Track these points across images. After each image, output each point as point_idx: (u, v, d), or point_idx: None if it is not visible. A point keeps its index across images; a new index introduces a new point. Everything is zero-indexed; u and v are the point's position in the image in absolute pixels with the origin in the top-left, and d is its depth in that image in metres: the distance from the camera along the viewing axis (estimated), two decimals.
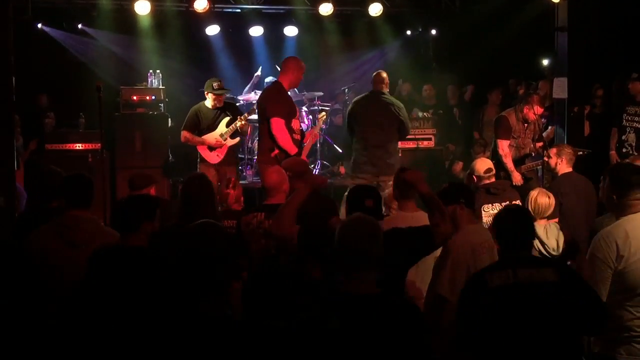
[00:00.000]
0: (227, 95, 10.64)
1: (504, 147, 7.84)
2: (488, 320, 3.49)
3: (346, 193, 5.13)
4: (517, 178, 7.67)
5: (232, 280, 3.18)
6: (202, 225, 3.23)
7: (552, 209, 5.42)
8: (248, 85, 11.08)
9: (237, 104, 10.92)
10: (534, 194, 5.53)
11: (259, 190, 9.84)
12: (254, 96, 10.73)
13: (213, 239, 3.11)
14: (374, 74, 8.40)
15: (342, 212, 5.32)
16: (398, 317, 3.05)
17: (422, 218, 4.54)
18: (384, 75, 8.26)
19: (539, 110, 7.89)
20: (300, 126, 7.42)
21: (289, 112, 7.19)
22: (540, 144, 7.96)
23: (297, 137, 7.26)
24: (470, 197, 4.85)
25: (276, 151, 7.06)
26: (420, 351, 3.07)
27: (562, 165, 6.90)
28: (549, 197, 5.45)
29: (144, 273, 3.76)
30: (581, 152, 7.75)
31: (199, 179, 5.28)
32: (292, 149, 7.04)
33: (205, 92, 8.43)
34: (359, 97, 8.45)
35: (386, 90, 8.23)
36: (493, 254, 4.43)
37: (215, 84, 8.33)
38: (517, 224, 3.72)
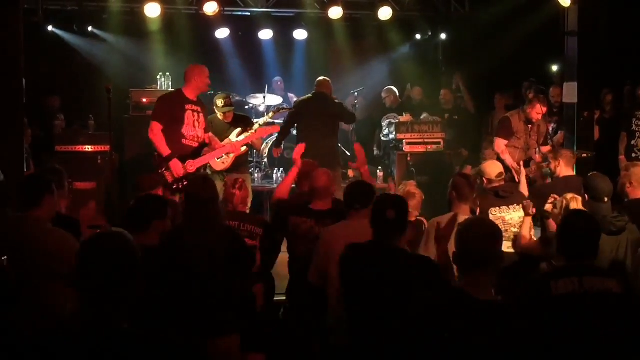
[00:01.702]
0: (237, 98, 10.73)
1: (500, 144, 7.92)
2: (548, 328, 3.36)
3: None
4: (518, 172, 7.67)
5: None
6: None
7: None
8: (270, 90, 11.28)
9: (246, 107, 10.99)
10: (568, 200, 5.42)
11: (268, 193, 9.88)
12: (272, 100, 10.82)
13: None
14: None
15: None
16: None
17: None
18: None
19: (542, 109, 7.87)
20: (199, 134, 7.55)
21: (172, 119, 7.35)
22: (548, 147, 7.94)
23: (188, 143, 7.43)
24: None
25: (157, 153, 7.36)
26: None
27: (561, 168, 6.87)
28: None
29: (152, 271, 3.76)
30: (585, 155, 7.73)
31: (202, 180, 5.29)
32: (164, 151, 7.24)
33: (214, 107, 8.43)
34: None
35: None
36: None
37: (220, 102, 8.29)
38: (587, 231, 3.59)
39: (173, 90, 7.61)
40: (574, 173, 6.98)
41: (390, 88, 11.47)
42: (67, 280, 3.94)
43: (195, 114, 7.48)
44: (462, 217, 5.00)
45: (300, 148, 6.25)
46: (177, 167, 7.23)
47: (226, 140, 8.14)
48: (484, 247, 3.10)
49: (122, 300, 2.49)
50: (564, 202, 5.39)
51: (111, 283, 2.45)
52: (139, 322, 2.54)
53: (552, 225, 5.60)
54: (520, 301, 3.53)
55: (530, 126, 7.94)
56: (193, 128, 7.48)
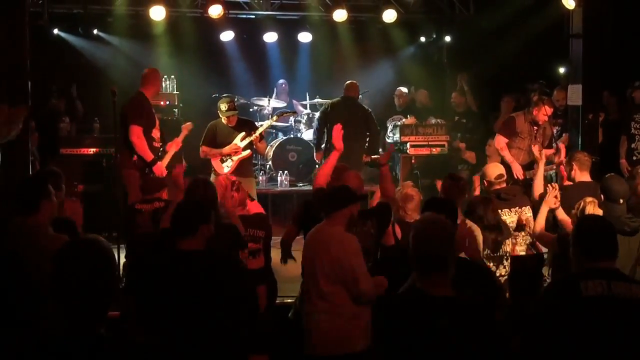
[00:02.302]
0: (241, 101, 10.74)
1: (500, 141, 7.97)
2: (576, 329, 3.32)
3: None
4: (517, 169, 7.65)
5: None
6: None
7: None
8: (275, 93, 11.38)
9: (251, 110, 11.00)
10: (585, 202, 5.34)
11: (272, 195, 9.89)
12: (277, 103, 10.86)
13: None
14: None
15: None
16: (472, 318, 3.12)
17: None
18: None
19: (548, 110, 7.85)
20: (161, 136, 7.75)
21: (148, 122, 7.53)
22: (552, 150, 7.93)
23: (157, 145, 7.62)
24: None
25: (135, 157, 7.42)
26: (495, 349, 3.15)
27: (576, 172, 6.63)
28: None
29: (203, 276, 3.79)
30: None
31: (203, 182, 5.31)
32: (149, 156, 7.38)
33: (218, 111, 8.43)
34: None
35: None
36: None
37: (223, 106, 8.25)
38: (607, 234, 3.54)
39: (138, 93, 7.63)
40: (589, 178, 6.62)
41: (401, 89, 11.46)
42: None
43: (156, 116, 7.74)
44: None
45: (338, 131, 5.90)
46: (160, 171, 7.30)
47: (232, 145, 8.17)
48: (439, 249, 3.13)
49: (99, 306, 2.52)
50: (582, 204, 5.33)
51: (86, 289, 2.49)
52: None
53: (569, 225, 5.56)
54: (546, 298, 3.52)
55: (535, 128, 7.93)
56: (158, 130, 7.64)
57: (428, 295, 3.10)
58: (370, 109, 9.52)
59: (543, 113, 7.83)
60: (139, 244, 5.75)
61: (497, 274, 5.45)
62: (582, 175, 6.59)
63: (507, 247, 5.56)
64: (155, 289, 3.82)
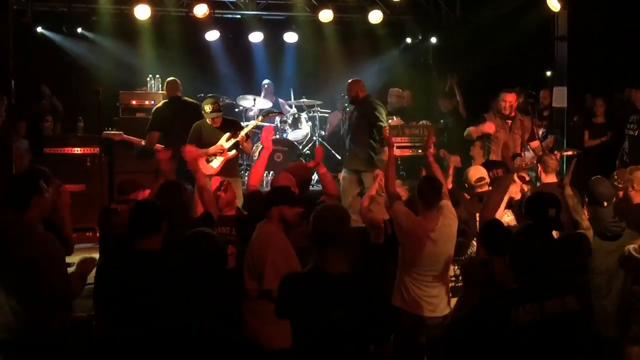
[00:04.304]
0: (227, 101, 10.70)
1: (472, 128, 8.01)
2: (508, 358, 3.21)
3: None
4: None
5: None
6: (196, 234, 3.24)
7: None
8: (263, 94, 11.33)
9: (236, 110, 10.97)
10: None
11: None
12: (263, 103, 10.82)
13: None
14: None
15: None
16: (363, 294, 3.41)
17: None
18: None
19: (508, 96, 7.80)
20: None
21: None
22: (536, 142, 7.92)
23: None
24: None
25: None
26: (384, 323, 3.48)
27: (542, 175, 6.67)
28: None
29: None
30: (570, 152, 7.70)
31: (174, 185, 5.28)
32: None
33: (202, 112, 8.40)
34: None
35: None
36: None
37: (207, 107, 8.18)
38: (542, 249, 3.30)
39: None
40: (555, 179, 6.55)
41: (393, 90, 11.39)
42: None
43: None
44: (430, 224, 4.96)
45: (269, 132, 6.05)
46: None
47: (217, 145, 8.14)
48: (333, 228, 3.46)
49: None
50: None
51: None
52: None
53: None
54: (471, 327, 3.35)
55: (509, 122, 7.85)
56: None
57: (324, 272, 3.40)
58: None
59: (502, 100, 7.79)
60: (112, 244, 5.69)
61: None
62: (547, 177, 6.60)
63: (473, 249, 5.52)
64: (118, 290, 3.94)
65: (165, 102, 8.94)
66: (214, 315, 2.65)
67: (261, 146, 10.04)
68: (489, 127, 7.77)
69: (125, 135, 8.92)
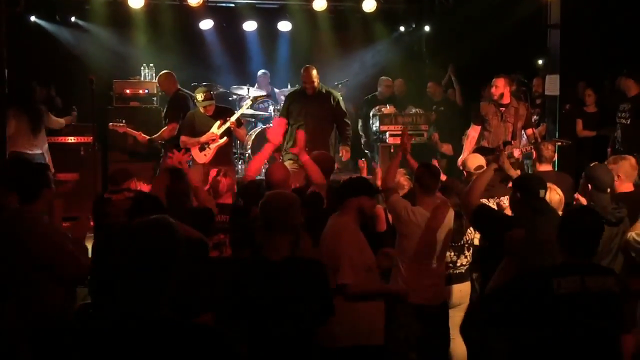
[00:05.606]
0: (221, 90, 10.70)
1: (470, 131, 7.98)
2: (548, 326, 3.33)
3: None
4: (460, 161, 7.68)
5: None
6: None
7: (562, 205, 5.20)
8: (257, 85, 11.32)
9: (230, 99, 10.97)
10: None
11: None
12: (257, 92, 10.80)
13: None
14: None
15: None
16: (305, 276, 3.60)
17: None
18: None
19: (498, 81, 7.82)
20: None
21: None
22: (531, 130, 7.93)
23: None
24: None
25: None
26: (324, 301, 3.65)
27: (536, 164, 6.77)
28: (558, 195, 5.22)
29: None
30: (560, 143, 7.72)
31: (174, 172, 5.33)
32: None
33: (195, 101, 8.40)
34: None
35: None
36: None
37: (199, 96, 8.20)
38: (590, 228, 3.49)
39: None
40: (550, 168, 6.77)
41: (383, 78, 11.40)
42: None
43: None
44: (424, 210, 5.01)
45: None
46: None
47: (208, 133, 8.15)
48: (278, 215, 3.63)
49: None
50: None
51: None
52: None
53: None
54: (516, 293, 3.42)
55: (502, 109, 7.84)
56: None
57: (268, 260, 3.59)
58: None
59: (493, 86, 7.81)
60: (105, 232, 5.71)
61: (459, 264, 5.44)
62: (542, 166, 6.68)
63: (469, 235, 5.54)
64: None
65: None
66: (165, 303, 2.58)
67: (254, 134, 10.11)
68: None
69: (128, 129, 8.88)
